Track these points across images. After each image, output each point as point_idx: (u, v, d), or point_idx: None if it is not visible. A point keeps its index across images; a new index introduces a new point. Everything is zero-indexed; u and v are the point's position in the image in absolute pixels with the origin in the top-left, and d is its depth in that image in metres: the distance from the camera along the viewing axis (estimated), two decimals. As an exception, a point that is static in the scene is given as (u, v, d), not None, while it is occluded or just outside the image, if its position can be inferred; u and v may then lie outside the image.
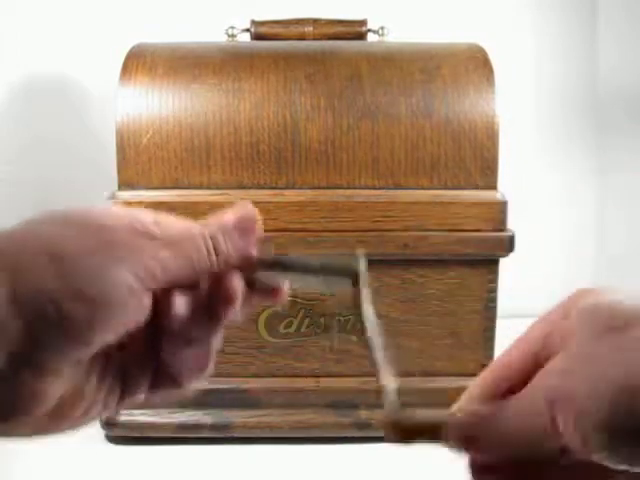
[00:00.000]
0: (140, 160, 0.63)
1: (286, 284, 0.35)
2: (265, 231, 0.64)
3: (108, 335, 0.29)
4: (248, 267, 0.34)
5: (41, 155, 0.94)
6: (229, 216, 0.35)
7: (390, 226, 0.63)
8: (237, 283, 0.33)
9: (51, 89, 0.94)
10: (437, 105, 0.64)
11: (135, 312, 0.30)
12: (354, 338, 0.66)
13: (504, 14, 0.98)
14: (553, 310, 0.30)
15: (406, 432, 0.31)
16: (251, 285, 0.34)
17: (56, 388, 0.29)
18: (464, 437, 0.30)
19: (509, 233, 0.64)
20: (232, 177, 0.64)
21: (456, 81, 0.65)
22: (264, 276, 0.35)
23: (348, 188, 0.64)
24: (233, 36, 0.76)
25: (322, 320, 0.65)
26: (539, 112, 1.00)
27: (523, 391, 0.28)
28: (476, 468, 0.31)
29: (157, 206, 0.63)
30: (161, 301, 0.32)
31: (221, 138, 0.63)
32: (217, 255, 0.33)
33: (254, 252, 0.35)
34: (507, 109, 0.69)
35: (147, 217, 0.32)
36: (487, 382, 0.31)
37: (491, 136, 0.64)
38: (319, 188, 0.64)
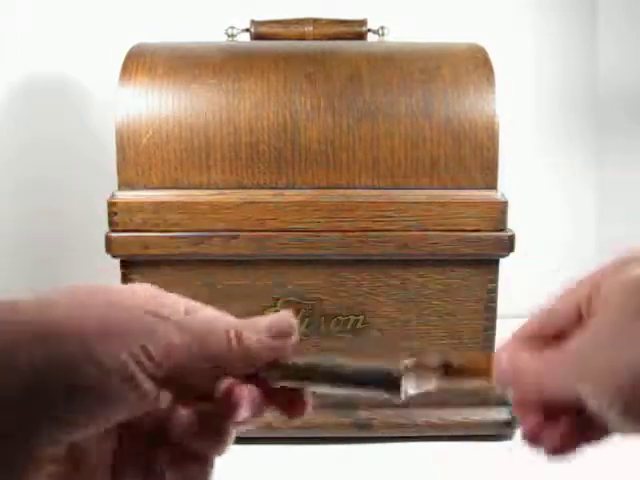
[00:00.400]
0: (140, 160, 0.63)
1: (311, 395, 0.32)
2: (265, 231, 0.65)
3: (96, 425, 0.27)
4: (272, 371, 0.31)
5: (41, 155, 0.94)
6: (264, 318, 0.31)
7: (390, 226, 0.63)
8: (245, 393, 0.30)
9: (51, 89, 0.94)
10: (437, 105, 0.64)
11: (132, 402, 0.27)
12: (354, 338, 0.66)
13: (504, 14, 0.98)
14: (606, 267, 0.30)
15: (456, 371, 0.34)
16: (271, 394, 0.31)
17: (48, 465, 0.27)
18: (505, 381, 0.31)
19: (509, 233, 0.64)
20: (232, 177, 0.64)
21: (456, 81, 0.65)
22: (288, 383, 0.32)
23: (348, 188, 0.64)
24: (233, 36, 0.76)
25: (322, 320, 0.65)
26: (539, 112, 1.00)
27: (558, 350, 0.29)
28: (528, 435, 0.32)
29: (157, 206, 0.63)
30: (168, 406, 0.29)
31: (221, 138, 0.63)
32: (240, 351, 0.29)
33: (283, 357, 0.31)
34: (507, 109, 0.69)
35: (175, 301, 0.30)
36: (534, 325, 0.32)
37: (491, 136, 0.64)
38: (319, 188, 0.64)
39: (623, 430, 0.28)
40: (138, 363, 0.27)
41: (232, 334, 0.30)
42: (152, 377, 0.28)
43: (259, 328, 0.31)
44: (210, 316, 0.30)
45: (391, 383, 0.31)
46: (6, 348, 0.26)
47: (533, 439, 0.31)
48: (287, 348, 0.31)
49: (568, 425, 0.30)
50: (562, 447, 0.30)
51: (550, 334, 0.31)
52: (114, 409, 0.27)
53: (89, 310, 0.28)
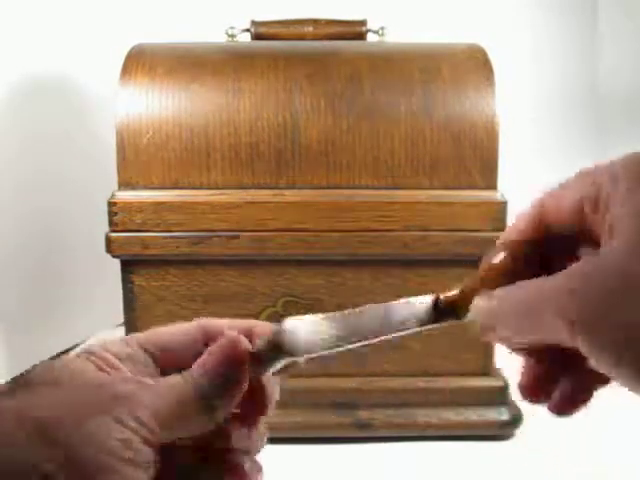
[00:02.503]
0: (140, 160, 0.63)
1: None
2: (265, 231, 0.65)
3: None
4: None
5: (41, 155, 0.94)
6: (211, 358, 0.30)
7: (390, 226, 0.63)
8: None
9: (51, 89, 0.94)
10: (437, 105, 0.64)
11: (134, 471, 0.27)
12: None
13: (504, 14, 0.98)
14: (617, 165, 0.27)
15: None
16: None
17: None
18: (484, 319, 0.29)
19: (509, 233, 0.64)
20: (232, 177, 0.64)
21: (456, 81, 0.65)
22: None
23: (348, 188, 0.64)
24: (233, 36, 0.76)
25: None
26: (539, 112, 1.00)
27: (550, 283, 0.25)
28: (524, 390, 0.29)
29: (157, 206, 0.63)
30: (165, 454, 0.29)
31: (221, 138, 0.63)
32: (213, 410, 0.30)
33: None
34: (507, 109, 0.69)
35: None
36: (519, 231, 0.30)
37: (491, 136, 0.64)
38: (319, 188, 0.64)
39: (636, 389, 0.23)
40: (133, 431, 0.27)
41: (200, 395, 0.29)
42: (148, 443, 0.28)
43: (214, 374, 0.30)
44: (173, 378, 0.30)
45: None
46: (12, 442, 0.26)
47: (530, 397, 0.29)
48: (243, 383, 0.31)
49: (569, 383, 0.27)
50: (564, 406, 0.27)
51: (540, 245, 0.28)
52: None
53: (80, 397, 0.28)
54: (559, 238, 0.29)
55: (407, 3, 0.96)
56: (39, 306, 0.88)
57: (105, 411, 0.27)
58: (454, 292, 0.32)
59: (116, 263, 0.65)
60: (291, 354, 0.31)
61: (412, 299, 0.33)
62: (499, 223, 0.64)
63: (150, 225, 0.63)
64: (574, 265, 0.25)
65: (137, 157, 0.63)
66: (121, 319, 0.67)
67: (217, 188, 0.63)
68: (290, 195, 0.63)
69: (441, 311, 0.33)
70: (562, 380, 0.28)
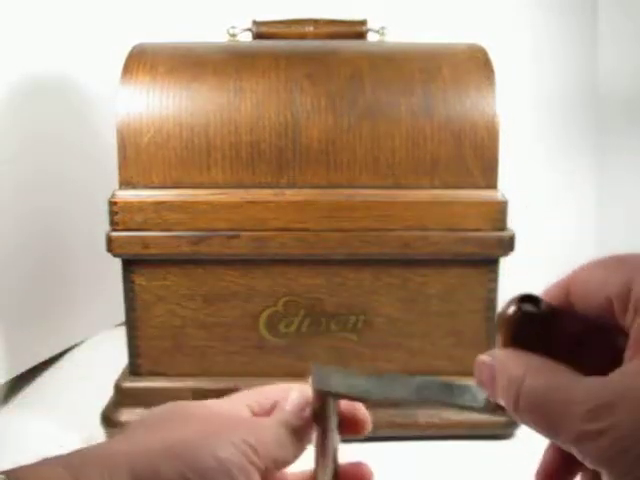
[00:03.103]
0: (141, 160, 0.63)
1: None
2: (265, 231, 0.65)
3: None
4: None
5: (42, 155, 0.94)
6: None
7: (390, 225, 0.63)
8: None
9: (52, 89, 0.94)
10: (437, 105, 0.64)
11: None
12: (354, 338, 0.66)
13: (504, 14, 0.98)
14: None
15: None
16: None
17: None
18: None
19: (509, 233, 0.64)
20: (233, 176, 0.64)
21: (456, 81, 0.65)
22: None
23: (348, 187, 0.64)
24: (234, 36, 0.76)
25: (323, 320, 0.65)
26: (539, 112, 1.00)
27: (580, 396, 0.25)
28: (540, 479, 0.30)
29: (158, 205, 0.63)
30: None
31: (222, 137, 0.63)
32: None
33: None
34: (507, 109, 0.69)
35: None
36: (558, 298, 0.30)
37: (492, 136, 0.64)
38: (319, 187, 0.64)
39: None
40: (246, 456, 0.33)
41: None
42: (256, 467, 0.34)
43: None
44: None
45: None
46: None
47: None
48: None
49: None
50: None
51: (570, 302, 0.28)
52: None
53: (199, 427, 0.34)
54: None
55: (408, 3, 0.96)
56: (39, 306, 0.88)
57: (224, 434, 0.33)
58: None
59: (117, 263, 0.65)
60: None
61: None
62: (500, 223, 0.64)
63: (151, 224, 0.63)
64: (601, 383, 0.25)
65: (138, 156, 0.63)
66: (121, 319, 0.67)
67: (218, 187, 0.63)
68: (291, 194, 0.63)
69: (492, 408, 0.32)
70: (581, 474, 0.28)
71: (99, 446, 0.33)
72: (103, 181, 0.69)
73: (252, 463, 0.33)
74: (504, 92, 0.66)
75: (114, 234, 0.63)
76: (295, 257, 0.64)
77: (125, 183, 0.63)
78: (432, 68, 0.66)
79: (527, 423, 0.27)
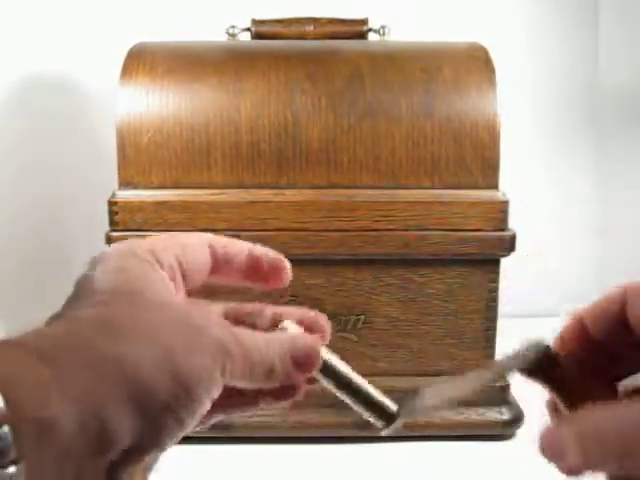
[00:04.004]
0: (141, 159, 0.63)
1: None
2: (266, 231, 0.64)
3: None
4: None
5: (42, 155, 0.94)
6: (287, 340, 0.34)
7: (391, 226, 0.63)
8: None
9: (51, 89, 0.94)
10: (438, 104, 0.64)
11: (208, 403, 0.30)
12: (354, 338, 0.66)
13: (505, 14, 0.98)
14: None
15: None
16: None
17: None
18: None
19: (510, 233, 0.64)
20: (233, 177, 0.63)
21: (457, 80, 0.65)
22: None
23: (349, 188, 0.64)
24: (234, 35, 0.76)
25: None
26: (540, 112, 1.00)
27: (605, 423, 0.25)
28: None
29: (158, 205, 0.63)
30: None
31: (222, 137, 0.63)
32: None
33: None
34: (508, 108, 0.69)
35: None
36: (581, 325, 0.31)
37: (492, 135, 0.64)
38: (320, 188, 0.64)
39: None
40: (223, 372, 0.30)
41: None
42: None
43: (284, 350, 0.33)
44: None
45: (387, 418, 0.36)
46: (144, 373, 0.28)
47: None
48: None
49: None
50: None
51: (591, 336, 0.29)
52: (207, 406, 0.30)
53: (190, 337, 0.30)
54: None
55: (408, 2, 0.95)
56: (39, 305, 0.88)
57: (207, 354, 0.29)
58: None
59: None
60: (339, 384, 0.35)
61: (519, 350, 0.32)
62: (500, 223, 0.64)
63: (151, 224, 0.63)
64: None
65: (138, 156, 0.63)
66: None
67: (218, 187, 0.63)
68: (291, 194, 0.63)
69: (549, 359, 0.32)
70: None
71: (74, 329, 0.28)
72: (103, 181, 0.69)
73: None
74: (505, 92, 0.66)
75: (114, 234, 0.63)
76: (295, 257, 0.63)
77: (125, 183, 0.63)
78: (433, 68, 0.66)
79: None
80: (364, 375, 0.36)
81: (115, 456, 0.26)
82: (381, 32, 0.77)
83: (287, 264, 0.38)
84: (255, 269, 0.38)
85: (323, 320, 0.36)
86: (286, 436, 0.65)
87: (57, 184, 0.95)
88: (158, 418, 0.27)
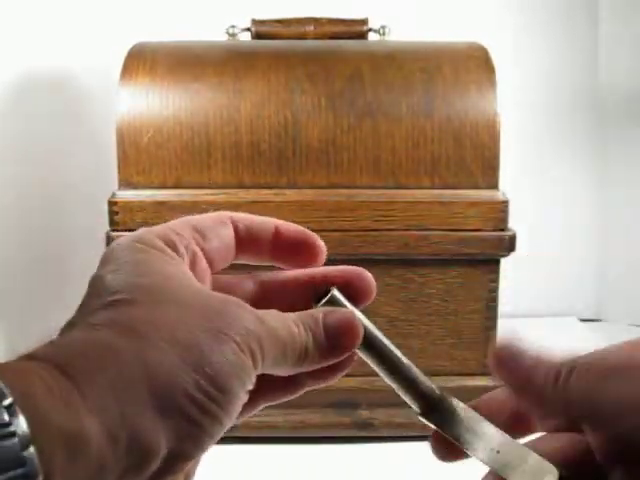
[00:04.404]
0: (141, 159, 0.63)
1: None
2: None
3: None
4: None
5: (41, 155, 0.94)
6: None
7: (391, 225, 0.63)
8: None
9: (52, 88, 0.94)
10: (438, 104, 0.64)
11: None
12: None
13: (505, 13, 0.98)
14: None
15: None
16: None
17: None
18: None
19: (510, 233, 0.64)
20: (233, 177, 0.63)
21: (457, 80, 0.65)
22: None
23: (349, 187, 0.64)
24: (234, 35, 0.76)
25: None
26: (540, 111, 1.00)
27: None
28: None
29: (158, 205, 0.63)
30: None
31: (222, 137, 0.63)
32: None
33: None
34: (508, 108, 0.69)
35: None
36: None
37: (492, 135, 0.64)
38: (320, 188, 0.64)
39: None
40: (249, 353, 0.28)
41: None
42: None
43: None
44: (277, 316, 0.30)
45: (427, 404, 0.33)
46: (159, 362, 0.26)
47: None
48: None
49: None
50: None
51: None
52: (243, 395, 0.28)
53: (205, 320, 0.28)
54: None
55: (408, 2, 0.95)
56: (40, 306, 0.88)
57: (233, 344, 0.27)
58: None
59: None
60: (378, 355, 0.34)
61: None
62: (500, 223, 0.64)
63: (151, 224, 0.62)
64: None
65: (138, 156, 0.63)
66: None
67: (218, 187, 0.63)
68: (291, 194, 0.63)
69: None
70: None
71: (91, 337, 0.26)
72: (103, 181, 0.69)
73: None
74: (505, 91, 0.66)
75: (114, 234, 0.63)
76: (295, 257, 0.64)
77: (125, 183, 0.63)
78: (433, 67, 0.66)
79: None
80: (364, 375, 0.36)
81: (155, 466, 0.25)
82: (381, 32, 0.77)
83: (320, 241, 0.35)
84: (285, 247, 0.34)
85: (366, 274, 0.34)
86: (286, 436, 0.65)
87: (57, 184, 0.95)
88: (193, 421, 0.26)
